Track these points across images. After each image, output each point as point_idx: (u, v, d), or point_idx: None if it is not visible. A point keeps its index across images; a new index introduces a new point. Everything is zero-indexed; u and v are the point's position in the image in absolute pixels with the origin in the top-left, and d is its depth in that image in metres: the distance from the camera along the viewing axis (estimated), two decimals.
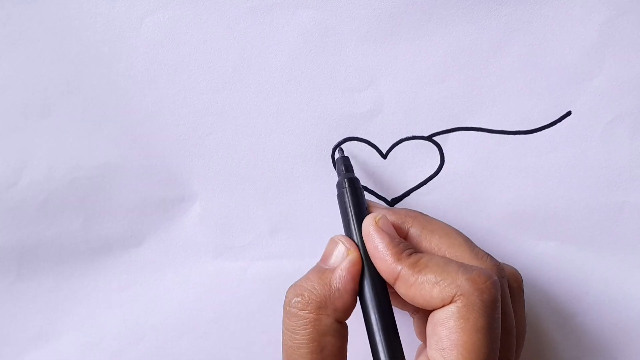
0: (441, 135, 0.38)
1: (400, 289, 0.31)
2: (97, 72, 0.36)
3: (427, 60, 0.37)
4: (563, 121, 0.37)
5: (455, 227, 0.39)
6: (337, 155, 0.37)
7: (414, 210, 0.35)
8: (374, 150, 0.38)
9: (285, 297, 0.32)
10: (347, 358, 0.33)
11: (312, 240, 0.39)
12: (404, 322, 0.38)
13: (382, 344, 0.31)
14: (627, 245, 0.39)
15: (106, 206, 0.38)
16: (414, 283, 0.30)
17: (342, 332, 0.32)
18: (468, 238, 0.34)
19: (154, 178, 0.38)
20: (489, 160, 0.38)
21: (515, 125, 0.38)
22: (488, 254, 0.33)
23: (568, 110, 0.37)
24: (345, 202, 0.34)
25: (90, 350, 0.39)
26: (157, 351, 0.40)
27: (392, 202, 0.39)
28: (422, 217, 0.34)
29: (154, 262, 0.39)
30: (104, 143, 0.37)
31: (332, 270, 0.32)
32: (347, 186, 0.35)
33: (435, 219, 0.35)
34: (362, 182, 0.38)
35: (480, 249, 0.33)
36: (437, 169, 0.38)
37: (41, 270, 0.39)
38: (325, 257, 0.33)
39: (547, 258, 0.39)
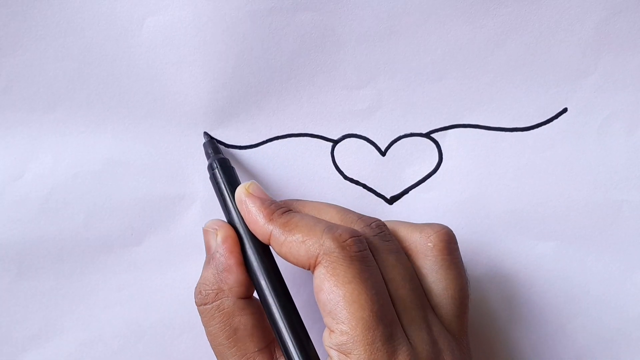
0: (439, 132, 0.38)
1: (275, 248, 0.32)
2: (100, 70, 0.37)
3: (425, 59, 0.37)
4: (559, 118, 0.38)
5: (455, 226, 0.39)
6: (203, 140, 0.37)
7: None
8: (373, 148, 0.38)
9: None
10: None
11: None
12: None
13: (275, 302, 0.31)
14: (627, 244, 0.39)
15: (107, 203, 0.38)
16: (284, 242, 0.31)
17: (250, 309, 0.33)
18: (343, 208, 0.34)
19: (155, 175, 0.38)
20: (486, 157, 0.38)
21: (512, 122, 0.38)
22: (362, 215, 0.33)
23: (564, 107, 0.38)
24: (219, 182, 0.35)
25: (90, 349, 0.39)
26: (157, 349, 0.39)
27: (392, 200, 0.39)
28: (294, 200, 0.35)
29: (154, 260, 0.39)
30: (107, 139, 0.38)
31: (212, 256, 0.33)
32: (218, 166, 0.35)
33: (310, 201, 0.35)
34: (361, 180, 0.39)
35: (354, 213, 0.34)
36: (436, 166, 0.39)
37: (41, 268, 0.39)
38: (207, 249, 0.34)
39: (547, 258, 0.39)
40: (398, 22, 0.37)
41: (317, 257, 0.30)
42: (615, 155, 0.38)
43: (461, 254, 0.39)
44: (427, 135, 0.38)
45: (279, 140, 0.38)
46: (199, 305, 0.33)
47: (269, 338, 0.33)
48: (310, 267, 0.30)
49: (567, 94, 0.37)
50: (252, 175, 0.39)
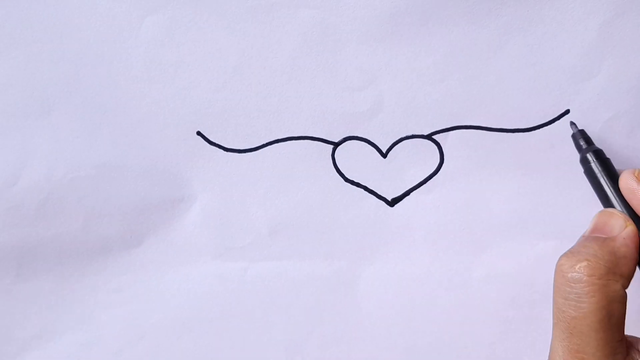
0: (441, 134, 0.38)
1: None
2: (97, 72, 0.36)
3: (427, 60, 0.37)
4: (561, 119, 0.38)
5: (456, 227, 0.39)
6: (573, 130, 0.37)
7: None
8: (374, 150, 0.38)
9: (560, 265, 0.31)
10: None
11: (312, 240, 0.39)
12: None
13: None
14: None
15: (106, 206, 0.38)
16: None
17: (625, 300, 0.31)
18: None
19: (154, 178, 0.38)
20: (488, 159, 0.38)
21: (513, 124, 0.38)
22: None
23: (566, 108, 0.37)
24: (597, 176, 0.35)
25: (90, 350, 0.39)
26: (157, 351, 0.40)
27: (393, 202, 0.39)
28: None
29: (154, 262, 0.39)
30: (104, 143, 0.38)
31: (613, 238, 0.32)
32: (594, 159, 0.35)
33: None
34: (362, 182, 0.39)
35: None
36: (437, 167, 0.38)
37: (41, 270, 0.38)
38: (599, 228, 0.33)
39: (547, 257, 0.39)
40: (400, 22, 0.36)
41: None
42: (616, 156, 0.38)
43: (462, 255, 0.39)
44: (429, 136, 0.38)
45: (280, 144, 0.38)
46: (577, 272, 0.31)
47: (624, 330, 0.32)
48: None
49: (570, 96, 0.37)
50: (252, 179, 0.38)
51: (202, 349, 0.40)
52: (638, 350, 0.31)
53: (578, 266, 0.31)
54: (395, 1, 0.36)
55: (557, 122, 0.38)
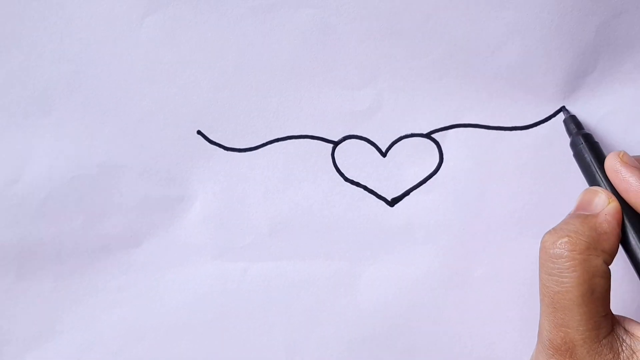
0: (440, 133, 0.38)
1: None
2: (97, 71, 0.37)
3: (426, 58, 0.37)
4: (557, 116, 0.38)
5: (456, 227, 0.39)
6: (563, 116, 0.37)
7: None
8: (374, 149, 0.38)
9: (543, 242, 0.32)
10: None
11: (312, 240, 0.39)
12: None
13: None
14: None
15: (106, 206, 0.38)
16: None
17: (608, 276, 0.32)
18: None
19: (154, 177, 0.38)
20: (486, 157, 0.38)
21: (511, 121, 0.38)
22: None
23: (562, 105, 0.38)
24: (585, 158, 0.35)
25: (90, 350, 0.39)
26: (156, 351, 0.39)
27: (393, 202, 0.39)
28: None
29: (154, 262, 0.39)
30: (104, 142, 0.38)
31: (595, 215, 0.33)
32: (582, 142, 0.36)
33: None
34: (362, 181, 0.39)
35: None
36: (437, 166, 0.38)
37: (41, 270, 0.38)
38: (583, 205, 0.34)
39: None
40: (399, 21, 0.36)
41: None
42: (610, 151, 0.38)
43: (462, 254, 0.39)
44: (428, 135, 0.38)
45: (279, 143, 0.38)
46: (559, 248, 0.31)
47: (609, 305, 0.32)
48: None
49: (565, 93, 0.37)
50: (252, 178, 0.38)
51: (202, 349, 0.40)
52: (624, 328, 0.32)
53: (559, 242, 0.31)
54: (395, 1, 0.36)
55: (554, 120, 0.38)
